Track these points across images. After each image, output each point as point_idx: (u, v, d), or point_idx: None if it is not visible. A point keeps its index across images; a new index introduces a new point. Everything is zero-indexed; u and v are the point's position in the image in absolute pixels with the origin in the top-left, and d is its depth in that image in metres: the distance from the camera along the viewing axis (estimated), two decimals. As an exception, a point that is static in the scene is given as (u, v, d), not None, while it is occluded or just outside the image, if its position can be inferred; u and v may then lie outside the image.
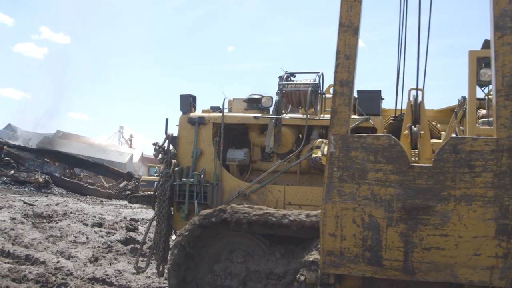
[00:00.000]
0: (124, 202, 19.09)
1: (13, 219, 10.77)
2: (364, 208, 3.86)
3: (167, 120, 5.62)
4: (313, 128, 5.56)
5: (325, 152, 4.83)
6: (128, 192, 22.70)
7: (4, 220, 10.36)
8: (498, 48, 3.46)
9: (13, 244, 8.43)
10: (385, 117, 6.16)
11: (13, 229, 9.53)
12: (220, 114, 5.57)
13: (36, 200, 14.88)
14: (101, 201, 19.26)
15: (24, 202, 13.84)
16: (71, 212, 12.79)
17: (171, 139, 5.59)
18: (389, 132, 5.92)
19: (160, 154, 5.51)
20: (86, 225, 11.20)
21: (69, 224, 10.73)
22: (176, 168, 5.44)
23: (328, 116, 5.68)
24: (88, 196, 20.64)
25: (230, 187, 5.45)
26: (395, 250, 3.90)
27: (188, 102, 5.69)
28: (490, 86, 5.65)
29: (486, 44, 5.46)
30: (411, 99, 4.61)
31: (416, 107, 4.59)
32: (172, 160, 5.48)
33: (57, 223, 11.01)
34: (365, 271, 4.01)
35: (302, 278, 4.19)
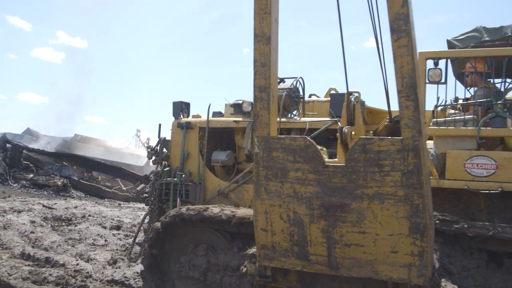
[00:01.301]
0: (142, 205, 18.85)
1: (33, 222, 10.94)
2: (288, 205, 4.11)
3: (160, 125, 6.24)
4: (291, 131, 5.83)
5: None
6: (145, 195, 21.09)
7: (24, 223, 10.57)
8: (395, 51, 3.55)
9: (33, 247, 8.67)
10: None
11: (33, 232, 9.74)
12: (205, 119, 6.06)
13: (55, 203, 15.05)
14: (119, 204, 19.23)
15: (43, 205, 14.05)
16: (89, 215, 12.89)
17: (163, 142, 6.19)
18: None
19: (153, 156, 6.13)
20: (105, 228, 11.27)
21: (88, 227, 10.86)
22: (166, 169, 6.02)
23: (305, 119, 5.91)
24: (106, 199, 20.66)
25: (212, 187, 5.91)
26: (319, 245, 4.11)
27: (179, 108, 6.25)
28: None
29: (450, 44, 5.36)
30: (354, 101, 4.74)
31: (350, 109, 4.71)
32: (163, 161, 6.07)
33: (76, 226, 11.17)
34: (295, 264, 4.26)
35: (244, 270, 4.52)
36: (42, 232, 9.85)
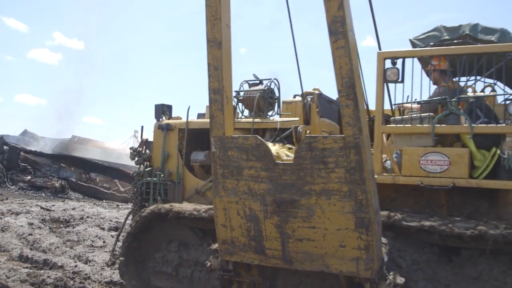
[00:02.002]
0: (140, 206, 18.99)
1: (31, 224, 10.91)
2: (244, 201, 4.29)
3: (142, 127, 6.50)
4: (265, 131, 6.00)
5: None
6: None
7: (22, 225, 10.56)
8: (334, 52, 3.69)
9: (31, 249, 8.71)
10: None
11: (31, 234, 9.77)
12: (185, 120, 6.28)
13: (53, 205, 15.00)
14: (117, 205, 19.03)
15: (41, 207, 13.96)
16: (87, 217, 12.82)
17: (145, 143, 6.44)
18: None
19: (135, 157, 6.39)
20: (103, 229, 11.23)
21: (86, 229, 10.83)
22: (147, 169, 6.27)
23: (277, 119, 6.08)
24: (104, 201, 20.42)
25: (191, 186, 6.14)
26: (274, 240, 4.27)
27: (160, 111, 6.50)
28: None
29: (412, 44, 5.44)
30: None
31: (306, 109, 4.85)
32: (145, 161, 6.32)
33: (74, 227, 11.16)
34: (253, 259, 4.43)
35: (209, 264, 4.72)
36: (40, 234, 9.89)
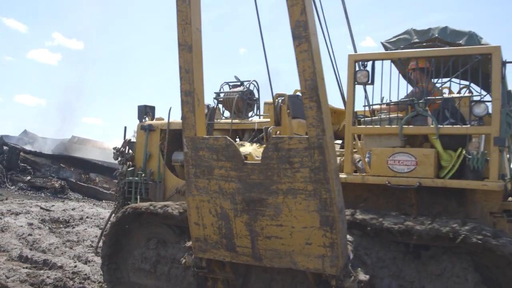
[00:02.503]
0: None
1: (31, 224, 10.89)
2: (215, 200, 4.41)
3: (125, 127, 6.63)
4: (245, 131, 6.12)
5: None
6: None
7: (21, 226, 10.54)
8: (298, 55, 3.80)
9: (31, 249, 8.71)
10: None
11: (30, 235, 9.77)
12: (166, 121, 6.42)
13: (53, 206, 14.94)
14: None
15: (41, 208, 13.92)
16: (87, 217, 12.76)
17: (127, 144, 6.58)
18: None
19: (118, 157, 6.53)
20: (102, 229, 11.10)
21: (86, 229, 10.81)
22: (130, 169, 6.41)
23: (254, 120, 6.20)
24: (104, 201, 20.14)
25: (172, 185, 6.27)
26: (244, 238, 4.39)
27: (143, 112, 6.64)
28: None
29: (384, 47, 5.55)
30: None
31: (277, 110, 4.96)
32: (128, 161, 6.46)
33: (73, 228, 11.17)
34: (225, 256, 4.55)
35: (183, 261, 4.84)
36: (40, 235, 9.90)
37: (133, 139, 6.83)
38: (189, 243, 4.81)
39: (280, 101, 5.01)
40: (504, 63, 4.54)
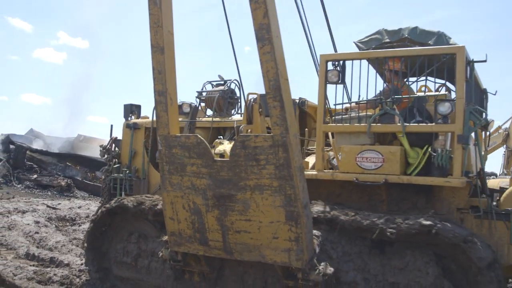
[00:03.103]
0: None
1: (37, 222, 10.90)
2: (188, 196, 4.58)
3: (111, 126, 6.82)
4: (226, 129, 6.29)
5: (217, 150, 5.58)
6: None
7: (28, 224, 10.55)
8: (261, 57, 3.95)
9: (37, 247, 8.71)
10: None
11: (37, 233, 9.77)
12: (151, 120, 6.60)
13: (59, 204, 14.97)
14: None
15: (47, 206, 13.94)
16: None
17: (114, 141, 6.77)
18: None
19: (105, 155, 6.73)
20: None
21: None
22: (115, 166, 6.60)
23: (234, 119, 6.36)
24: None
25: (156, 181, 6.44)
26: (215, 232, 4.56)
27: (129, 110, 6.83)
28: None
29: (357, 46, 5.67)
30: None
31: (249, 109, 5.11)
32: (114, 158, 6.65)
33: (80, 226, 11.17)
34: (198, 249, 4.72)
35: (160, 255, 5.02)
36: (47, 232, 9.90)
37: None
38: (165, 237, 4.98)
39: (252, 100, 5.16)
40: (470, 62, 4.65)
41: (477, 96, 5.29)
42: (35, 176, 22.02)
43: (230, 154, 4.25)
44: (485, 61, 4.72)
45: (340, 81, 4.89)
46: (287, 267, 4.40)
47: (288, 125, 3.99)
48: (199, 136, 4.36)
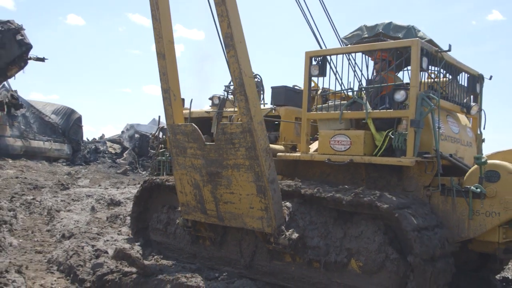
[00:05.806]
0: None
1: None
2: (190, 173, 5.66)
3: (159, 116, 8.14)
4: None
5: None
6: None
7: None
8: (229, 59, 4.87)
9: None
10: None
11: None
12: (187, 111, 7.77)
13: None
14: None
15: None
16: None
17: (161, 130, 8.09)
18: None
19: (154, 141, 8.08)
20: None
21: None
22: (161, 150, 7.91)
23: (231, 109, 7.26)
24: None
25: None
26: (211, 203, 5.59)
27: None
28: None
29: (343, 42, 6.18)
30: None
31: (223, 102, 5.94)
32: (160, 144, 7.98)
33: None
34: (201, 217, 5.79)
35: (177, 222, 6.19)
36: None
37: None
38: (179, 208, 6.13)
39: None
40: (438, 52, 5.10)
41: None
42: (158, 164, 24.50)
43: (215, 139, 5.24)
44: (449, 50, 5.12)
45: (320, 74, 5.59)
46: (264, 233, 5.27)
47: (252, 115, 4.87)
48: (193, 125, 5.41)
